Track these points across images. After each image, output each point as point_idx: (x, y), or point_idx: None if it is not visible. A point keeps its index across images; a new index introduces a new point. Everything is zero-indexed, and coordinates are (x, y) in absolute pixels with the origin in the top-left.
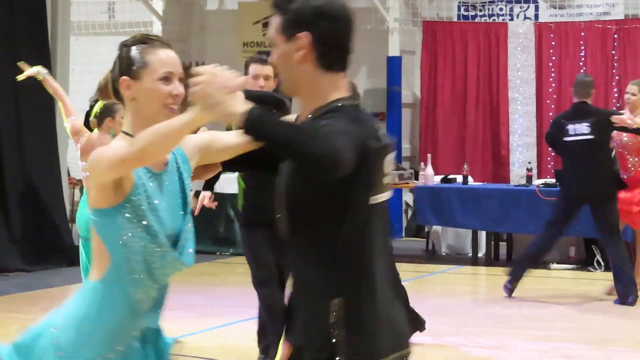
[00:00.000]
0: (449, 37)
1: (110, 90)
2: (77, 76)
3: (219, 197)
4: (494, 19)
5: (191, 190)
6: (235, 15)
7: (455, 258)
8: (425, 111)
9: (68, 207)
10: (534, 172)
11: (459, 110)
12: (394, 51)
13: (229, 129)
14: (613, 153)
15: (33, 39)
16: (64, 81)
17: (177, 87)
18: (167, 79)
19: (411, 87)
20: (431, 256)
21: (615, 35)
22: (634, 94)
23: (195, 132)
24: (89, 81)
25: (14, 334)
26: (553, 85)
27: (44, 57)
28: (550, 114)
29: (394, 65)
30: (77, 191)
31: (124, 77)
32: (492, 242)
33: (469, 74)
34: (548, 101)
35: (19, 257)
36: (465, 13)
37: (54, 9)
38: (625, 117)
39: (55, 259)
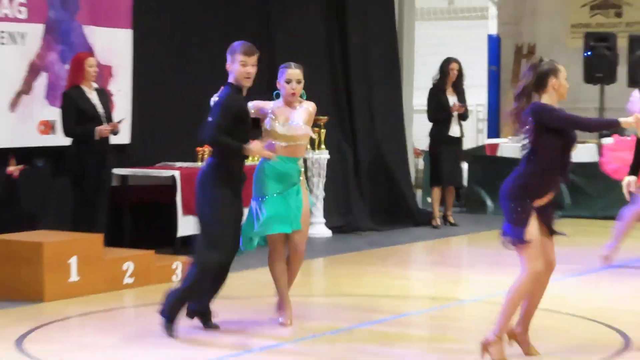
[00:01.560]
0: None
1: None
2: (420, 58)
3: None
4: None
5: None
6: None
7: None
8: None
9: (413, 175)
10: None
11: None
12: None
13: None
14: None
15: (383, 23)
16: (409, 62)
17: None
18: None
19: None
20: None
21: None
22: None
23: None
24: (432, 62)
25: (375, 286)
26: None
27: (392, 40)
28: None
29: None
30: (421, 160)
31: None
32: None
33: None
34: None
35: (369, 218)
36: None
37: None
38: None
39: (401, 220)
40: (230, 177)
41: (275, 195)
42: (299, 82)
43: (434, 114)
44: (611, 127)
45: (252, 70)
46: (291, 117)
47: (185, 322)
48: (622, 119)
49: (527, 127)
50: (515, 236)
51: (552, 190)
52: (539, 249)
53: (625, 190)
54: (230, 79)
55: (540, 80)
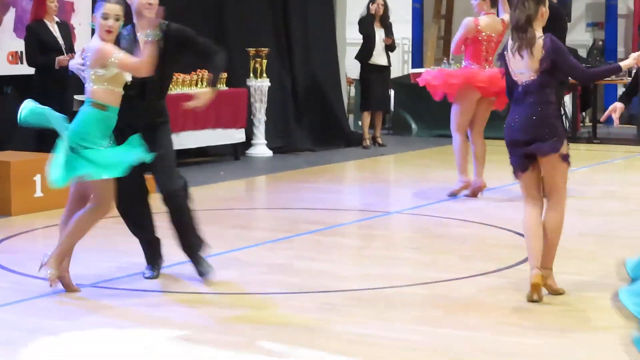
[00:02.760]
0: None
1: None
2: None
3: None
4: None
5: None
6: None
7: None
8: (638, 20)
9: (345, 101)
10: None
11: None
12: None
13: None
14: None
15: None
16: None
17: None
18: None
19: (626, 1)
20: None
21: None
22: None
23: None
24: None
25: (311, 200)
26: None
27: None
28: None
29: None
30: (352, 87)
31: None
32: None
33: None
34: None
35: (306, 139)
36: None
37: None
38: None
39: (335, 141)
40: None
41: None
42: (117, 19)
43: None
44: (616, 73)
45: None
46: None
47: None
48: (622, 63)
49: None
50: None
51: None
52: None
53: (608, 113)
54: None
55: (534, 9)
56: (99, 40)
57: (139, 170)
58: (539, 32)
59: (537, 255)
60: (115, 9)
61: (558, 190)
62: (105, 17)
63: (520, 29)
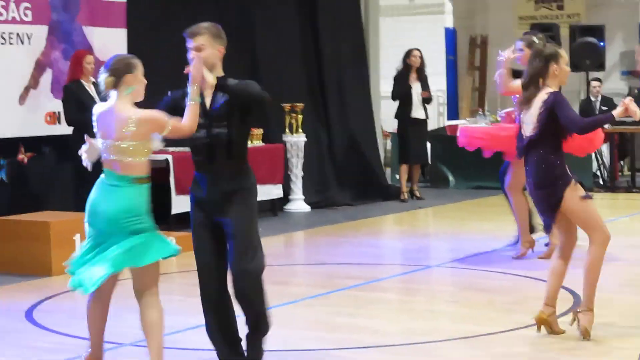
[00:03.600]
0: None
1: None
2: (384, 50)
3: None
4: None
5: None
6: None
7: None
8: None
9: (382, 154)
10: None
11: None
12: None
13: None
14: None
15: (350, 20)
16: (375, 53)
17: None
18: None
19: None
20: None
21: None
22: None
23: None
24: (395, 54)
25: (350, 255)
26: None
27: (359, 35)
28: None
29: None
30: (389, 141)
31: None
32: None
33: None
34: None
35: (344, 194)
36: None
37: None
38: None
39: (373, 195)
40: None
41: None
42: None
43: (397, 96)
44: (608, 123)
45: (193, 55)
46: None
47: None
48: (614, 112)
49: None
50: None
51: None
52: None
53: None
54: None
55: (545, 65)
56: (130, 106)
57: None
58: (548, 89)
59: (547, 291)
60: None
61: (588, 227)
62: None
63: (525, 86)
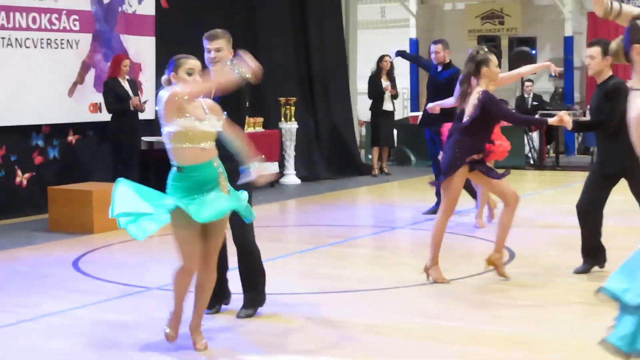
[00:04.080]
0: (605, 23)
1: (620, 55)
2: (360, 55)
3: None
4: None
5: None
6: (463, 12)
7: None
8: None
9: (358, 139)
10: None
11: None
12: (568, 33)
13: None
14: None
15: (334, 32)
16: (353, 59)
17: None
18: None
19: (580, 56)
20: None
21: None
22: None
23: None
24: (369, 59)
25: (331, 218)
26: None
27: (341, 43)
28: None
29: (568, 43)
30: (363, 128)
31: (636, 45)
32: None
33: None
34: None
35: (327, 170)
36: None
37: (346, 10)
38: None
39: (350, 171)
40: None
41: None
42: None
43: (372, 96)
44: (541, 124)
45: (214, 54)
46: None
47: None
48: (550, 119)
49: (472, 106)
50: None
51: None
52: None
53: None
54: None
55: (476, 68)
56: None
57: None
58: (480, 87)
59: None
60: (198, 64)
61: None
62: (190, 72)
63: (461, 83)
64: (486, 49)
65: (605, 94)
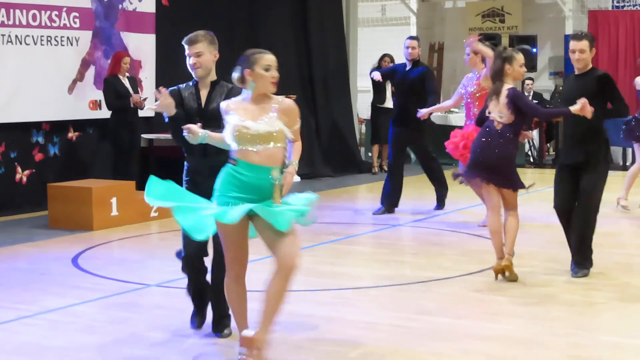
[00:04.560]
0: (605, 21)
1: None
2: (361, 53)
3: None
4: (637, 7)
5: None
6: (464, 10)
7: None
8: None
9: (358, 136)
10: None
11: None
12: (568, 32)
13: None
14: None
15: (335, 29)
16: (354, 56)
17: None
18: None
19: None
20: None
21: None
22: None
23: None
24: (370, 56)
25: (331, 215)
26: None
27: (342, 41)
28: None
29: (568, 41)
30: (363, 126)
31: None
32: None
33: (619, 50)
34: None
35: (327, 167)
36: (617, 4)
37: (347, 8)
38: None
39: (350, 169)
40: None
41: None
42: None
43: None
44: (564, 115)
45: (193, 60)
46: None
47: None
48: (572, 108)
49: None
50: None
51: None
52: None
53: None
54: None
55: (501, 66)
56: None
57: None
58: (506, 85)
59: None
60: (274, 59)
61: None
62: (267, 68)
63: (492, 80)
64: (513, 48)
65: (598, 81)
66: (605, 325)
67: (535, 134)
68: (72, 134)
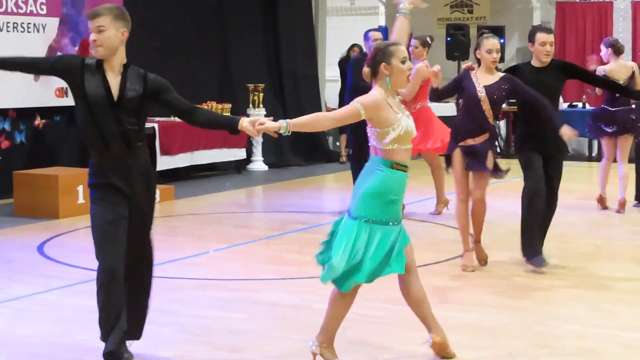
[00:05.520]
0: (573, 13)
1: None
2: (330, 42)
3: None
4: None
5: None
6: (433, 1)
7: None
8: None
9: None
10: None
11: None
12: (536, 23)
13: None
14: None
15: (303, 18)
16: (322, 45)
17: None
18: None
19: None
20: None
21: None
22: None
23: None
24: (339, 46)
25: (299, 204)
26: None
27: (310, 30)
28: None
29: None
30: None
31: None
32: None
33: (587, 42)
34: None
35: (295, 156)
36: None
37: None
38: None
39: (318, 158)
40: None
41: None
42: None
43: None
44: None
45: (94, 36)
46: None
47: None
48: (561, 130)
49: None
50: None
51: None
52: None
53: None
54: None
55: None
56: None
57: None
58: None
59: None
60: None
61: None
62: (404, 61)
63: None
64: (485, 33)
65: (565, 70)
66: (572, 315)
67: (502, 124)
68: (38, 121)
